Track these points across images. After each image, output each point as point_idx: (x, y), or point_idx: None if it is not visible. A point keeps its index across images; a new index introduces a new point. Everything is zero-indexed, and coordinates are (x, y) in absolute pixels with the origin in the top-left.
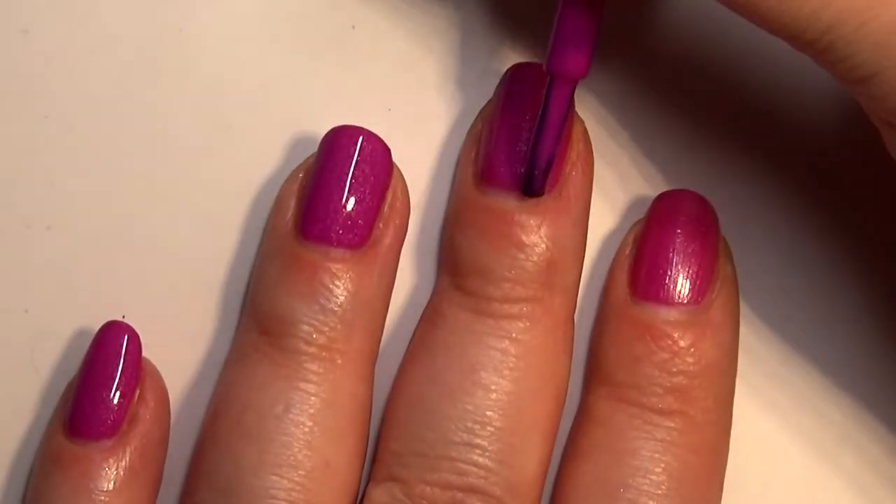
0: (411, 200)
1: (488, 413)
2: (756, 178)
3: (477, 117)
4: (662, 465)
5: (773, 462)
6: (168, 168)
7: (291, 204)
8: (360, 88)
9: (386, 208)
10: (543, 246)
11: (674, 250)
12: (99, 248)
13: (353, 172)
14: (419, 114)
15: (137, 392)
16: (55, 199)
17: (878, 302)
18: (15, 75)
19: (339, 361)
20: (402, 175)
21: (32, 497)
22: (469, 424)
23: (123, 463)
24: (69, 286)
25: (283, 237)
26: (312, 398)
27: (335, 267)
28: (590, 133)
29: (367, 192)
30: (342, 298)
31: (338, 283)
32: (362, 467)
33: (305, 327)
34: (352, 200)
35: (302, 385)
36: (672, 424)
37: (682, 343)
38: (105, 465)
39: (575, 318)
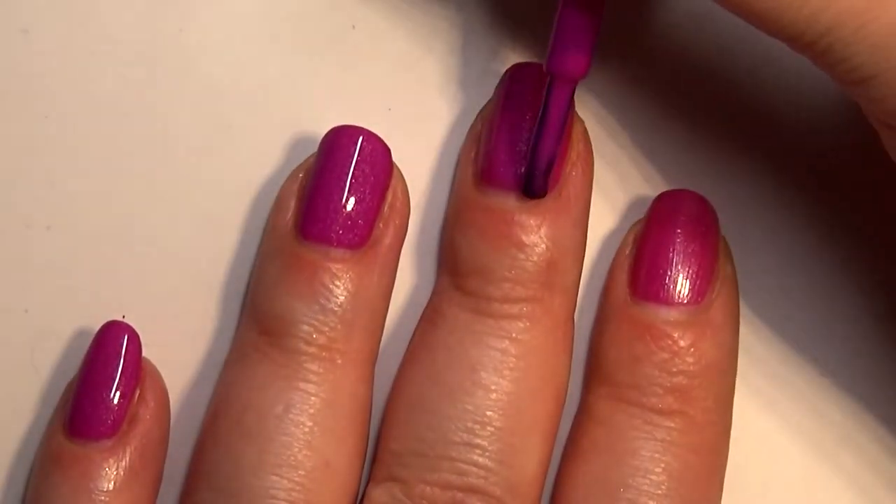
0: (411, 200)
1: (488, 413)
2: (756, 178)
3: (477, 117)
4: (662, 465)
5: (773, 462)
6: (168, 168)
7: (291, 204)
8: (360, 88)
9: (386, 208)
10: (543, 246)
11: (674, 250)
12: (99, 248)
13: (353, 172)
14: (419, 114)
15: (137, 392)
16: (55, 199)
17: (878, 302)
18: (15, 75)
19: (339, 361)
20: (402, 175)
21: (32, 497)
22: (469, 424)
23: (123, 463)
24: (69, 286)
25: (283, 237)
26: (312, 398)
27: (335, 267)
28: (589, 133)
29: (367, 192)
30: (342, 298)
31: (338, 283)
32: (362, 467)
33: (305, 327)
34: (352, 200)
35: (302, 385)
36: (672, 424)
37: (682, 343)
38: (105, 465)
39: (575, 318)
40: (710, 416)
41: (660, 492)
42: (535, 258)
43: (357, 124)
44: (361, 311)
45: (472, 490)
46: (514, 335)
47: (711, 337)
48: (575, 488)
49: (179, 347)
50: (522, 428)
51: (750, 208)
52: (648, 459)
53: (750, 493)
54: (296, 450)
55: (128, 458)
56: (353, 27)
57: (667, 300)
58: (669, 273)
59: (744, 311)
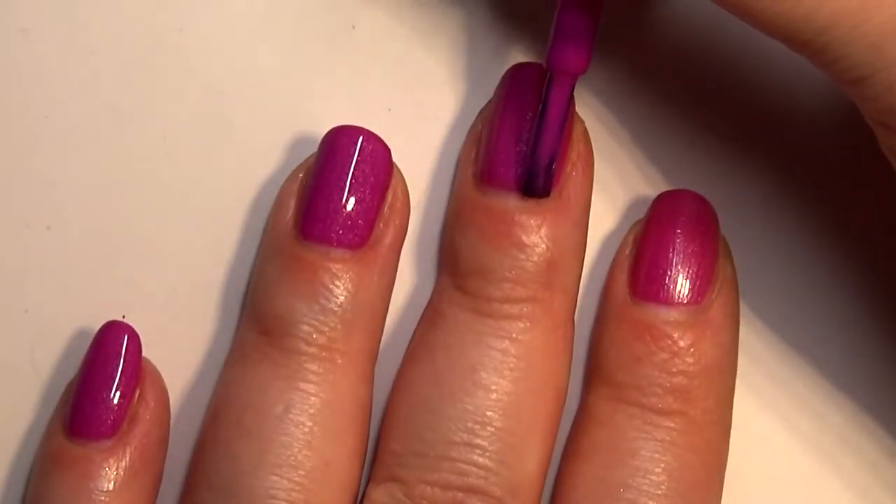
0: (411, 200)
1: (488, 413)
2: (756, 178)
3: (477, 117)
4: (662, 466)
5: (773, 462)
6: (168, 168)
7: (291, 204)
8: (360, 88)
9: (386, 208)
10: (544, 246)
11: (674, 250)
12: (99, 248)
13: (353, 172)
14: (419, 114)
15: (137, 392)
16: (55, 199)
17: (878, 302)
18: (15, 75)
19: (340, 361)
20: (402, 175)
21: (32, 497)
22: (469, 424)
23: (123, 463)
24: (69, 286)
25: (283, 237)
26: (312, 398)
27: (335, 267)
28: (590, 133)
29: (368, 192)
30: (342, 298)
31: (338, 283)
32: (362, 467)
33: (305, 327)
34: (352, 200)
35: (302, 385)
36: (672, 424)
37: (682, 343)
38: (105, 466)
39: (575, 318)
40: (710, 417)
41: (660, 492)
42: (536, 258)
43: (357, 124)
44: (361, 311)
45: (472, 490)
46: (514, 335)
47: (711, 337)
48: (575, 488)
49: (179, 347)
50: (522, 428)
51: (750, 208)
52: (648, 459)
53: (750, 493)
54: (296, 450)
55: (128, 458)
56: (353, 27)
57: (667, 300)
58: (669, 273)
59: (744, 311)
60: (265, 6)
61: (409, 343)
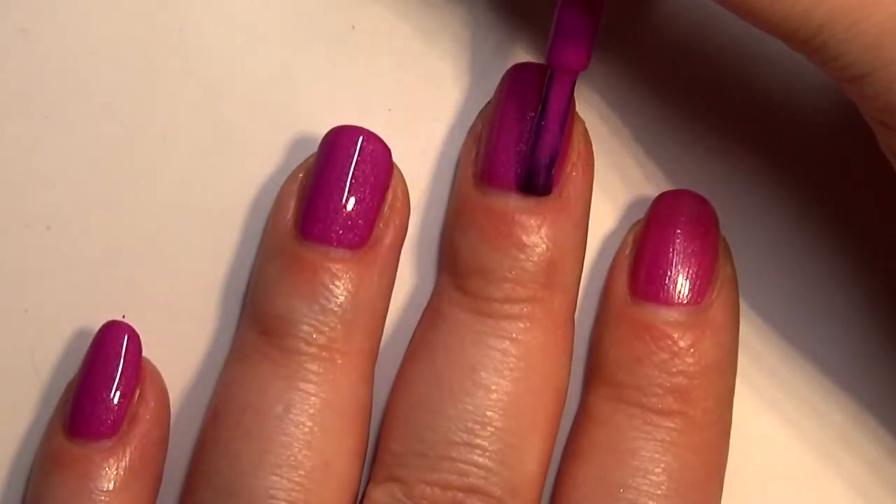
0: (411, 200)
1: (488, 413)
2: (756, 178)
3: (477, 117)
4: (662, 466)
5: (773, 462)
6: (168, 168)
7: (291, 204)
8: (360, 88)
9: (386, 208)
10: (544, 246)
11: (674, 250)
12: (99, 248)
13: (353, 172)
14: (419, 114)
15: (137, 392)
16: (55, 199)
17: (878, 302)
18: (15, 75)
19: (340, 361)
20: (402, 175)
21: (32, 497)
22: (469, 425)
23: (123, 463)
24: (69, 286)
25: (283, 237)
26: (312, 398)
27: (335, 267)
28: (590, 132)
29: (368, 192)
30: (342, 298)
31: (338, 283)
32: (362, 467)
33: (305, 327)
34: (352, 200)
35: (302, 385)
36: (672, 425)
37: (682, 343)
38: (105, 466)
39: (575, 318)
40: (710, 417)
41: (660, 492)
42: (536, 258)
43: (357, 124)
44: (361, 311)
45: (472, 490)
46: (514, 335)
47: (711, 337)
48: (575, 488)
49: (179, 347)
50: (522, 428)
51: (750, 208)
52: (648, 460)
53: (750, 493)
54: (296, 450)
55: (128, 458)
56: (353, 27)
57: (667, 300)
58: (669, 273)
59: (744, 310)
60: (265, 6)
61: (409, 343)
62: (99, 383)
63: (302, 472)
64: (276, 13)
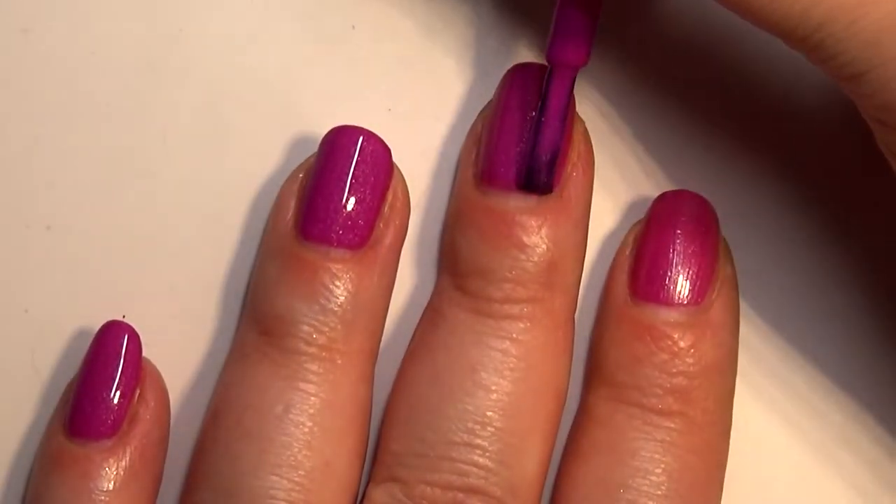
0: (411, 200)
1: (489, 413)
2: (756, 177)
3: (477, 118)
4: (662, 466)
5: (773, 462)
6: (168, 168)
7: (291, 204)
8: (360, 88)
9: (386, 208)
10: (544, 246)
11: (674, 251)
12: (99, 248)
13: (353, 173)
14: (419, 114)
15: (137, 392)
16: (55, 199)
17: (878, 302)
18: (15, 75)
19: (340, 362)
20: (402, 175)
21: (32, 497)
22: (469, 425)
23: (123, 463)
24: (69, 286)
25: (283, 237)
26: (312, 398)
27: (335, 267)
28: (589, 133)
29: (368, 192)
30: (342, 299)
31: (338, 283)
32: (362, 467)
33: (305, 327)
34: (352, 200)
35: (302, 385)
36: (672, 425)
37: (682, 344)
38: (105, 465)
39: (575, 318)
40: (710, 417)
41: (659, 492)
42: (536, 259)
43: (357, 124)
44: (361, 311)
45: (472, 490)
46: (514, 336)
47: (711, 338)
48: (575, 489)
49: (179, 347)
50: (523, 428)
51: (750, 208)
52: (648, 460)
53: (750, 493)
54: (296, 450)
55: (128, 458)
56: (353, 27)
57: (667, 301)
58: (669, 274)
59: (744, 310)
60: (265, 6)
61: (409, 343)
62: (99, 383)
63: (302, 473)
64: (276, 13)
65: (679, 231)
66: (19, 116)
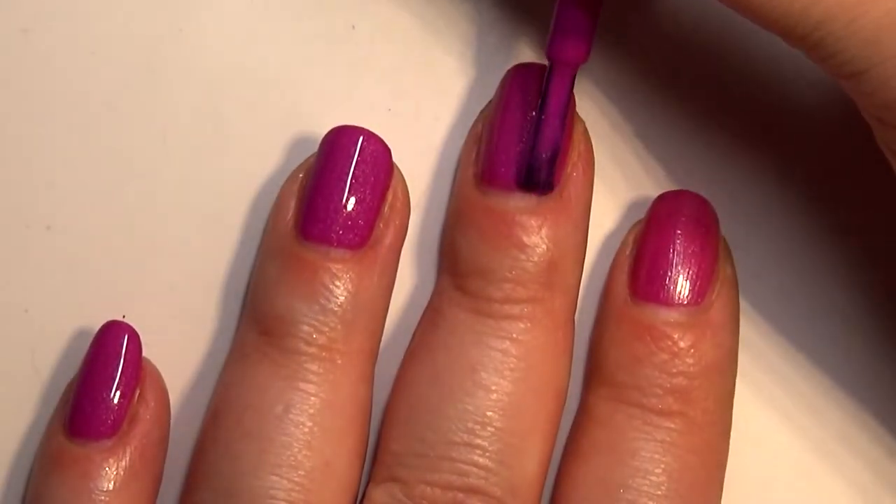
0: (411, 200)
1: (489, 413)
2: (756, 177)
3: (477, 118)
4: (662, 466)
5: (773, 462)
6: (168, 168)
7: (291, 204)
8: (360, 88)
9: (386, 208)
10: (544, 247)
11: (674, 251)
12: (99, 248)
13: (353, 173)
14: (419, 114)
15: (137, 392)
16: (55, 199)
17: (878, 301)
18: (15, 75)
19: (340, 362)
20: (402, 175)
21: (32, 497)
22: (469, 425)
23: (123, 463)
24: (69, 286)
25: (284, 237)
26: (312, 398)
27: (335, 267)
28: (589, 133)
29: (368, 192)
30: (342, 299)
31: (338, 283)
32: (362, 467)
33: (305, 327)
34: (352, 201)
35: (302, 385)
36: (672, 425)
37: (682, 344)
38: (105, 465)
39: (575, 318)
40: (710, 417)
41: (659, 493)
42: (536, 259)
43: (357, 124)
44: (361, 311)
45: (472, 490)
46: (514, 336)
47: (711, 338)
48: (575, 489)
49: (179, 347)
50: (523, 428)
51: (750, 208)
52: (648, 460)
53: (750, 493)
54: (296, 450)
55: (128, 458)
56: (353, 27)
57: (667, 301)
58: (669, 274)
59: (744, 310)
60: (265, 6)
61: (410, 343)
62: (99, 383)
63: (302, 473)
64: (276, 13)
65: (679, 231)
66: (19, 116)
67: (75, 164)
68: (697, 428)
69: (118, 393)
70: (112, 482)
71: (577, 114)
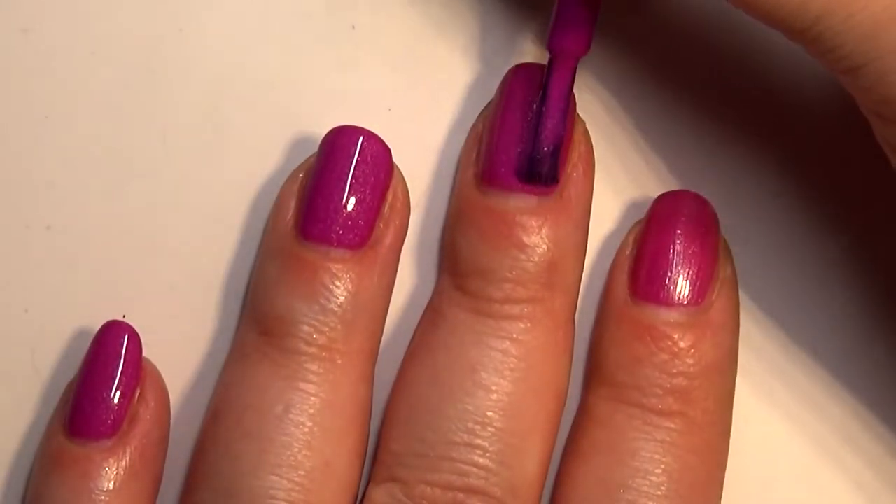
0: (411, 200)
1: (489, 414)
2: (756, 177)
3: (478, 117)
4: (662, 467)
5: (773, 461)
6: (168, 168)
7: (291, 204)
8: (360, 88)
9: (386, 208)
10: (544, 247)
11: (674, 251)
12: (99, 248)
13: (353, 173)
14: (419, 114)
15: (137, 392)
16: (55, 199)
17: (879, 300)
18: (15, 75)
19: (340, 362)
20: (402, 175)
21: (32, 497)
22: (470, 425)
23: (123, 463)
24: (69, 286)
25: (284, 237)
26: (312, 398)
27: (335, 267)
28: (590, 131)
29: (368, 192)
30: (342, 299)
31: (338, 283)
32: (362, 467)
33: (305, 327)
34: (352, 201)
35: (302, 385)
36: (672, 425)
37: (682, 344)
38: (105, 465)
39: (575, 318)
40: (710, 417)
41: (659, 493)
42: (536, 259)
43: (357, 124)
44: (361, 311)
45: (472, 491)
46: (514, 336)
47: (711, 338)
48: (575, 489)
49: (179, 347)
50: (523, 429)
51: (750, 208)
52: (648, 460)
53: (750, 493)
54: (296, 450)
55: (128, 458)
56: (353, 27)
57: (667, 301)
58: (670, 274)
59: (744, 309)
60: (265, 6)
61: (410, 343)
62: (99, 383)
63: (302, 473)
64: (276, 13)
65: (679, 231)
66: (19, 116)
67: (75, 164)
68: (697, 428)
69: (118, 393)
70: (112, 482)
71: (578, 114)
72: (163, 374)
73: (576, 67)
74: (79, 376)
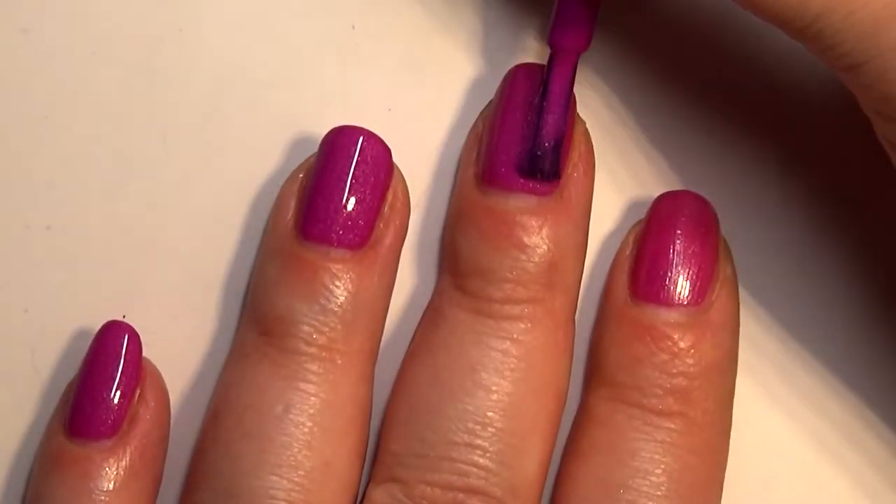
0: (411, 200)
1: (489, 414)
2: (756, 177)
3: (478, 118)
4: (662, 467)
5: (774, 461)
6: (168, 168)
7: (291, 204)
8: (360, 88)
9: (386, 208)
10: (545, 247)
11: (674, 251)
12: (99, 248)
13: (353, 173)
14: (419, 114)
15: (137, 392)
16: (55, 199)
17: (880, 300)
18: (15, 75)
19: (340, 362)
20: (402, 175)
21: (32, 497)
22: (470, 425)
23: (123, 463)
24: (69, 286)
25: (284, 237)
26: (312, 398)
27: (335, 267)
28: (590, 131)
29: (368, 192)
30: (342, 299)
31: (338, 283)
32: (362, 467)
33: (305, 328)
34: (352, 201)
35: (302, 385)
36: (672, 426)
37: (682, 344)
38: (105, 465)
39: (575, 318)
40: (710, 417)
41: (659, 493)
42: (537, 259)
43: (357, 124)
44: (361, 311)
45: (472, 491)
46: (515, 336)
47: (711, 338)
48: (575, 489)
49: (179, 347)
50: (523, 429)
51: (750, 208)
52: (648, 461)
53: (750, 493)
54: (295, 450)
55: (128, 458)
56: (353, 27)
57: (667, 301)
58: (670, 274)
59: (745, 309)
60: (265, 6)
61: (410, 343)
62: (99, 383)
63: (302, 473)
64: (276, 13)
65: (679, 231)
66: (19, 116)
67: (75, 164)
68: (697, 428)
69: (118, 393)
70: (112, 482)
71: (578, 114)
72: (163, 374)
73: (576, 63)
74: (79, 376)
